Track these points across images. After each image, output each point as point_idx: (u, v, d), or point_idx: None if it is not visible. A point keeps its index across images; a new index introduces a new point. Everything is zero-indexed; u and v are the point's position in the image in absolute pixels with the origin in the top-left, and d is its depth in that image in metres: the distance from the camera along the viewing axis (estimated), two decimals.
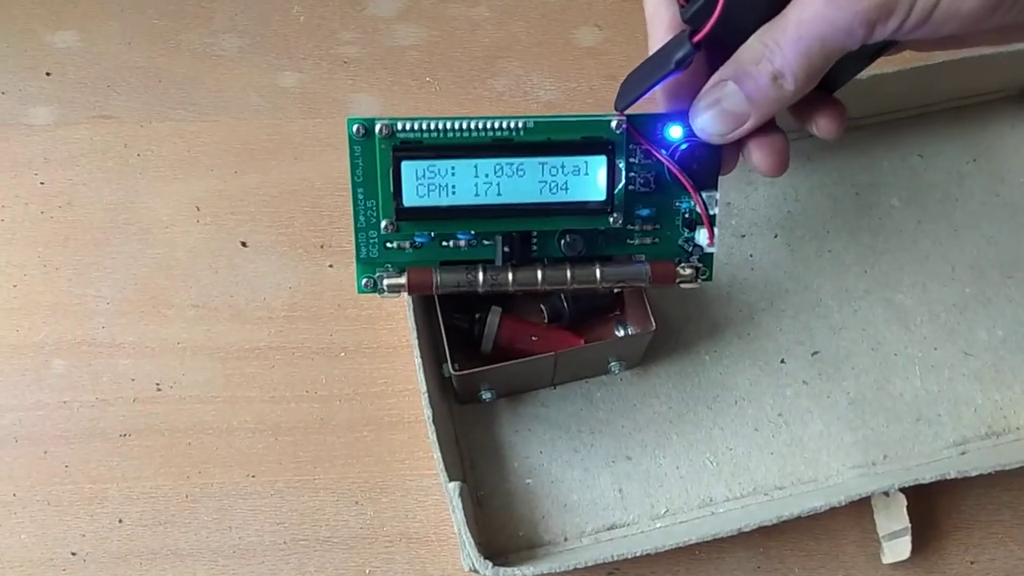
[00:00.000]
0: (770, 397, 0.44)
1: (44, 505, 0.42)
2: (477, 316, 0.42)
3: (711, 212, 0.33)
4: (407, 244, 0.32)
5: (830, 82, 0.31)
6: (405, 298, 0.41)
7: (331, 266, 0.46)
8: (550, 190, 0.31)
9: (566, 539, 0.41)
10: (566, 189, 0.31)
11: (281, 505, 0.42)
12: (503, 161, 0.31)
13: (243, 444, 0.43)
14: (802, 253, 0.47)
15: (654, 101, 0.32)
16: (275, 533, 0.42)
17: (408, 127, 0.30)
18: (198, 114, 0.50)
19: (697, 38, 0.28)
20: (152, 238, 0.47)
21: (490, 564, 0.36)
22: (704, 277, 0.34)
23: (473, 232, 0.32)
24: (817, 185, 0.48)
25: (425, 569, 0.41)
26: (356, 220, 0.32)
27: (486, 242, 0.32)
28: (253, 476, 0.42)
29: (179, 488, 0.42)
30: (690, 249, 0.34)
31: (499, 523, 0.41)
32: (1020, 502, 0.43)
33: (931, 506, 0.42)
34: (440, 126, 0.30)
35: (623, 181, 0.32)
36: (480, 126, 0.31)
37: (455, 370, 0.39)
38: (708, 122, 0.30)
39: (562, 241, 0.33)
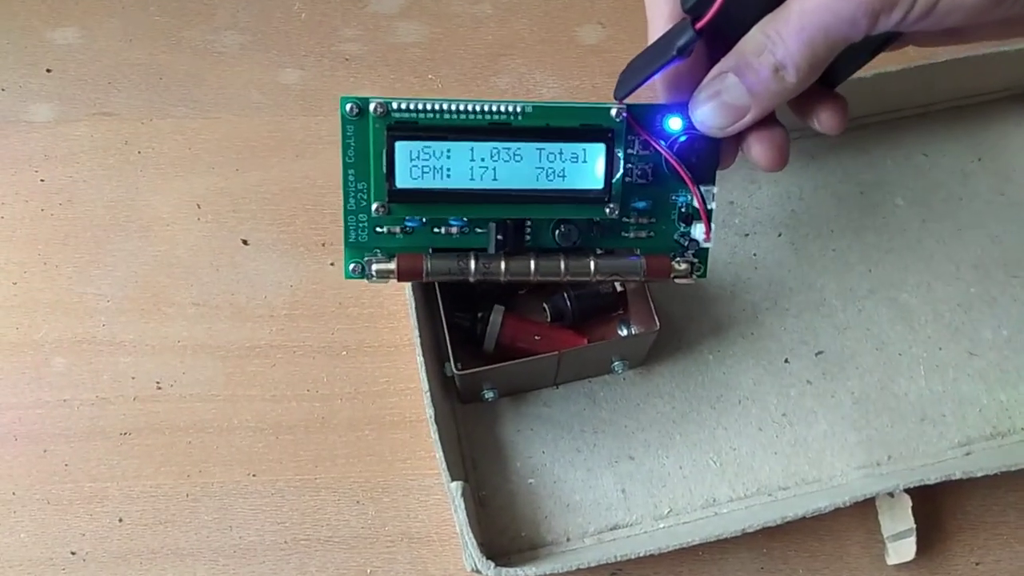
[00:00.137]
0: (774, 397, 0.44)
1: (44, 504, 0.42)
2: (480, 315, 0.42)
3: (709, 207, 0.32)
4: (398, 229, 0.32)
5: (832, 76, 0.30)
6: (407, 296, 0.41)
7: (332, 264, 0.46)
8: (547, 177, 0.31)
9: (568, 539, 0.41)
10: (563, 176, 0.31)
11: (282, 504, 0.42)
12: (500, 145, 0.30)
13: (244, 443, 0.43)
14: (806, 252, 0.47)
15: (654, 92, 0.32)
16: (276, 532, 0.41)
17: (404, 107, 0.30)
18: (199, 111, 0.49)
19: (700, 25, 0.27)
20: (153, 236, 0.47)
21: (492, 564, 0.36)
22: (699, 273, 0.34)
23: (466, 219, 0.32)
24: (821, 184, 0.48)
25: (427, 569, 0.41)
26: (346, 203, 0.32)
27: (479, 230, 0.32)
28: (254, 475, 0.42)
29: (179, 487, 0.42)
30: (686, 244, 0.33)
31: (501, 523, 0.41)
32: None
33: (936, 507, 0.42)
34: (437, 107, 0.30)
35: (621, 170, 0.31)
36: (478, 109, 0.30)
37: (457, 369, 0.39)
38: (708, 114, 0.30)
39: (557, 231, 0.32)
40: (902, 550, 0.40)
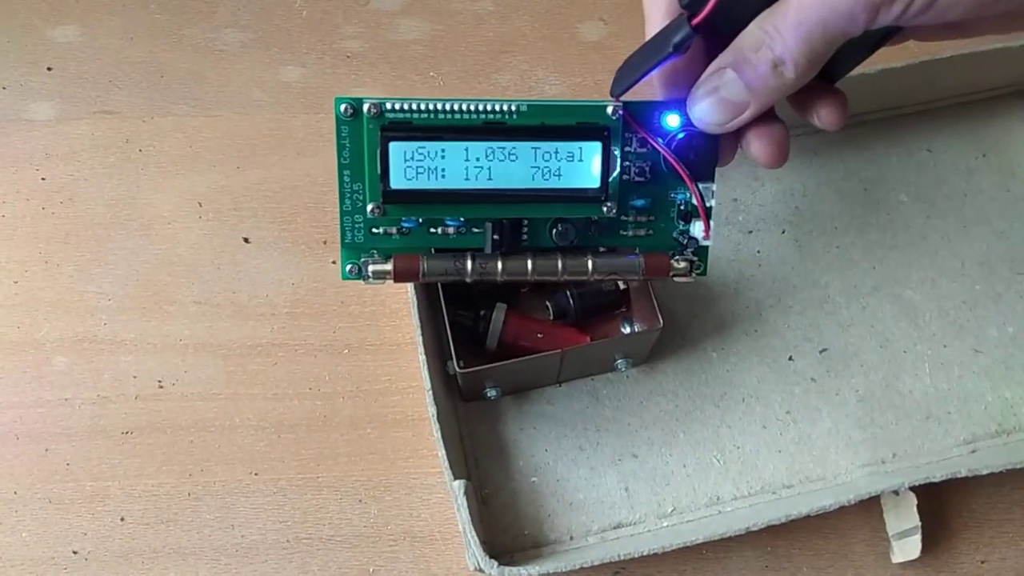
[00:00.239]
0: (778, 395, 0.44)
1: (45, 503, 0.42)
2: (482, 313, 0.42)
3: (708, 204, 0.32)
4: (394, 230, 0.32)
5: (831, 71, 0.30)
6: (409, 294, 0.41)
7: (334, 262, 0.46)
8: (543, 176, 0.30)
9: (572, 538, 0.41)
10: (559, 175, 0.30)
11: (284, 503, 0.42)
12: (495, 144, 0.30)
13: (246, 442, 0.43)
14: (810, 249, 0.46)
15: (651, 89, 0.32)
16: (278, 532, 0.41)
17: (397, 107, 0.30)
18: (200, 109, 0.49)
19: (696, 21, 0.27)
20: (154, 234, 0.47)
21: (495, 563, 0.36)
22: (699, 271, 0.33)
23: (462, 219, 0.32)
24: (824, 181, 0.48)
25: (429, 568, 0.41)
26: (342, 204, 0.32)
27: (475, 230, 0.32)
28: (256, 474, 0.42)
29: (181, 486, 0.42)
30: (685, 242, 0.33)
31: (504, 522, 0.41)
32: None
33: (941, 505, 0.42)
34: (430, 107, 0.30)
35: (618, 169, 0.31)
36: (472, 108, 0.30)
37: (460, 367, 0.39)
38: (706, 111, 0.29)
39: (554, 230, 0.32)
40: (907, 548, 0.40)
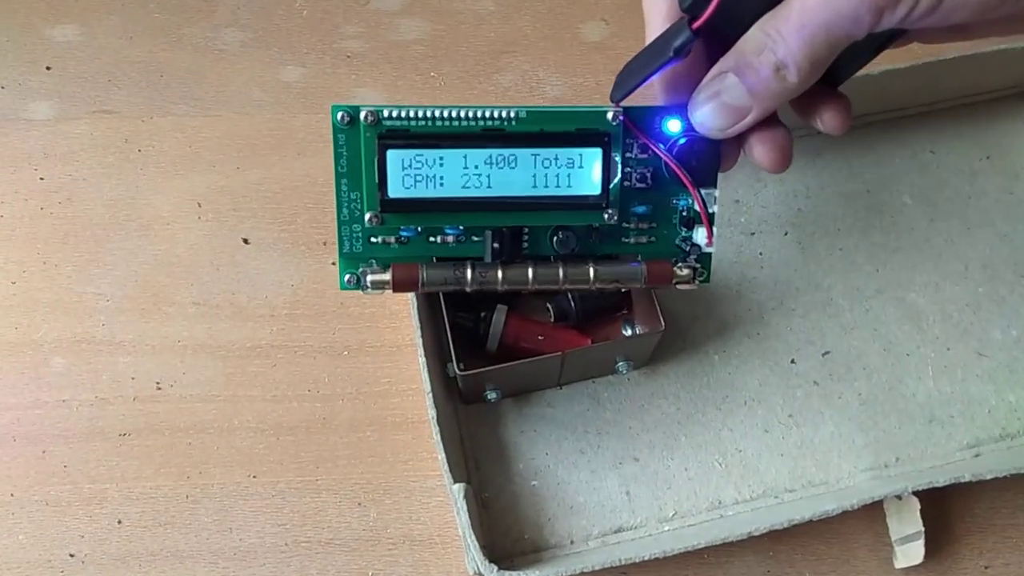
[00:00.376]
0: (780, 398, 0.43)
1: (42, 505, 0.41)
2: (483, 315, 0.42)
3: (710, 210, 0.32)
4: (392, 239, 0.31)
5: (835, 75, 0.30)
6: (409, 296, 0.40)
7: (334, 263, 0.46)
8: (543, 183, 0.30)
9: (572, 542, 0.40)
10: (559, 182, 0.30)
11: (283, 506, 0.41)
12: (494, 152, 0.29)
13: (244, 444, 0.42)
14: (813, 251, 0.46)
15: (652, 94, 0.31)
16: (276, 535, 0.41)
17: (395, 115, 0.29)
18: (200, 109, 0.49)
19: (696, 24, 0.27)
20: (153, 234, 0.46)
21: (495, 568, 0.35)
22: (702, 278, 0.33)
23: (462, 227, 0.31)
24: (827, 182, 0.48)
25: (429, 572, 0.40)
26: (339, 213, 0.31)
27: (475, 238, 0.31)
28: (254, 477, 0.42)
29: (179, 489, 0.42)
30: (688, 248, 0.33)
31: (504, 526, 0.41)
32: None
33: (944, 509, 0.42)
34: (428, 114, 0.29)
35: (619, 175, 0.31)
36: (470, 115, 0.29)
37: (460, 370, 0.38)
38: (708, 116, 0.29)
39: (554, 238, 0.31)
40: (910, 553, 0.40)
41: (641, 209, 0.32)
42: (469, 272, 0.31)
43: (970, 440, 0.43)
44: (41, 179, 0.47)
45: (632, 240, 0.32)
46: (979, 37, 0.30)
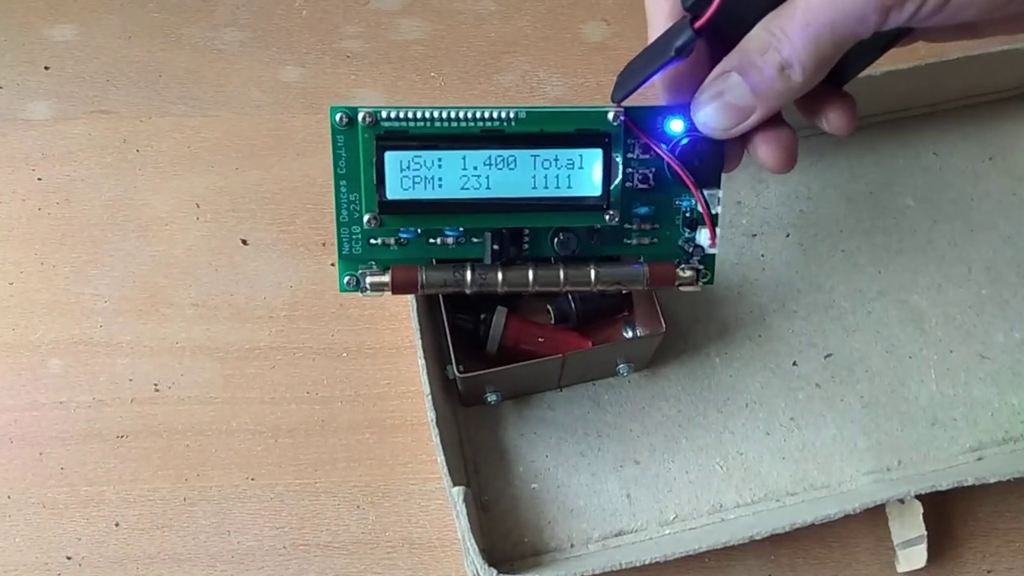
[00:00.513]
0: (782, 400, 0.43)
1: (39, 508, 0.41)
2: (482, 317, 0.41)
3: (713, 211, 0.31)
4: (392, 241, 0.31)
5: (839, 74, 0.29)
6: (409, 298, 0.40)
7: (333, 265, 0.45)
8: (543, 184, 0.30)
9: (572, 545, 0.40)
10: (559, 184, 0.30)
11: (281, 509, 0.41)
12: (493, 153, 0.29)
13: (242, 446, 0.42)
14: (815, 253, 0.46)
15: (654, 94, 0.31)
16: (274, 538, 0.41)
17: (393, 116, 0.29)
18: (199, 109, 0.49)
19: (699, 23, 0.27)
20: (151, 235, 0.46)
21: (495, 571, 0.35)
22: (705, 280, 0.32)
23: (461, 229, 0.31)
24: (830, 184, 0.47)
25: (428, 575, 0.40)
26: (338, 215, 0.31)
27: (475, 240, 0.31)
28: (252, 479, 0.42)
29: (177, 491, 0.41)
30: (690, 250, 0.32)
31: (504, 529, 0.40)
32: None
33: (946, 513, 0.41)
34: (427, 115, 0.29)
35: (620, 176, 0.30)
36: (469, 116, 0.29)
37: (459, 372, 0.38)
38: (711, 116, 0.29)
39: (555, 240, 0.31)
40: (913, 557, 0.39)
41: (643, 210, 0.32)
42: (469, 274, 0.31)
43: (973, 443, 0.42)
44: (39, 179, 0.47)
45: (634, 241, 0.32)
46: (986, 36, 0.29)
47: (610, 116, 0.30)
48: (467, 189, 0.29)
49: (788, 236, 0.46)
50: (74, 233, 0.46)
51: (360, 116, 0.29)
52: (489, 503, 0.41)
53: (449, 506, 0.40)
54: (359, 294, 0.31)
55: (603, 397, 0.43)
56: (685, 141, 0.30)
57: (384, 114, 0.29)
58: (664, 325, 0.39)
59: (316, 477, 0.42)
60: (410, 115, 0.29)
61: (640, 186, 0.31)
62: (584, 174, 0.30)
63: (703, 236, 0.32)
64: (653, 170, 0.31)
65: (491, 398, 0.41)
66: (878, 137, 0.48)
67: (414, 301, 0.40)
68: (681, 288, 0.32)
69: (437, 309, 0.40)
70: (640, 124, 0.30)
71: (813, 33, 0.26)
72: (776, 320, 0.45)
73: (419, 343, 0.39)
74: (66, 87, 0.49)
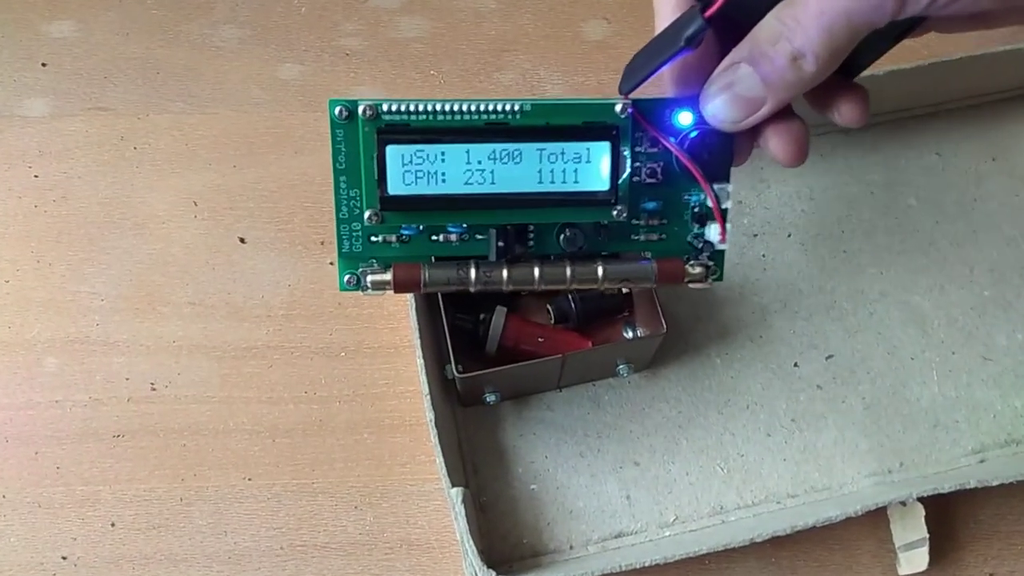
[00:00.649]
0: (783, 402, 0.43)
1: (35, 507, 0.41)
2: (482, 316, 0.41)
3: (723, 206, 0.31)
4: (393, 238, 0.30)
5: (851, 65, 0.29)
6: (408, 297, 0.40)
7: (331, 263, 0.45)
8: (549, 179, 0.29)
9: (572, 547, 0.40)
10: (566, 178, 0.29)
11: (278, 509, 0.41)
12: (498, 146, 0.28)
13: (240, 446, 0.42)
14: (816, 253, 0.46)
15: (662, 85, 0.30)
16: (272, 538, 0.40)
17: (394, 109, 0.28)
18: (197, 107, 0.49)
19: (709, 12, 0.26)
20: (148, 233, 0.46)
21: (493, 573, 0.35)
22: (715, 276, 0.32)
23: (465, 225, 0.30)
24: (832, 184, 0.47)
25: None
26: (338, 212, 0.30)
27: (479, 236, 0.30)
28: (250, 479, 0.41)
29: (173, 491, 0.41)
30: (700, 246, 0.31)
31: (503, 530, 0.40)
32: None
33: (949, 515, 0.41)
34: (429, 108, 0.28)
35: (628, 170, 0.30)
36: (473, 108, 0.28)
37: (458, 372, 0.38)
38: (720, 108, 0.28)
39: (561, 236, 0.30)
40: (914, 560, 0.39)
41: (651, 205, 0.31)
42: (473, 272, 0.30)
43: (975, 445, 0.42)
44: (35, 177, 0.47)
45: (642, 237, 0.31)
46: (999, 26, 0.29)
47: (618, 108, 0.29)
48: (471, 184, 0.29)
49: (789, 236, 0.46)
50: (71, 231, 0.46)
51: (360, 109, 0.28)
52: (488, 504, 0.41)
53: (448, 507, 0.39)
54: (359, 293, 0.30)
55: (603, 398, 0.43)
56: (694, 134, 0.30)
57: (385, 107, 0.28)
58: (665, 325, 0.39)
59: (314, 477, 0.41)
60: (412, 108, 0.28)
61: (648, 180, 0.31)
62: (591, 168, 0.29)
63: (713, 231, 0.31)
64: (661, 164, 0.30)
65: (490, 398, 0.41)
66: (880, 137, 0.48)
67: (413, 300, 0.40)
68: (690, 285, 0.31)
69: (436, 309, 0.40)
70: (648, 117, 0.30)
71: (827, 22, 0.25)
72: (777, 321, 0.44)
73: (418, 343, 0.39)
74: (63, 84, 0.49)
